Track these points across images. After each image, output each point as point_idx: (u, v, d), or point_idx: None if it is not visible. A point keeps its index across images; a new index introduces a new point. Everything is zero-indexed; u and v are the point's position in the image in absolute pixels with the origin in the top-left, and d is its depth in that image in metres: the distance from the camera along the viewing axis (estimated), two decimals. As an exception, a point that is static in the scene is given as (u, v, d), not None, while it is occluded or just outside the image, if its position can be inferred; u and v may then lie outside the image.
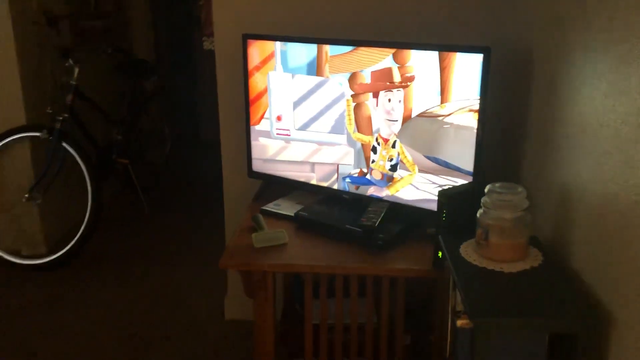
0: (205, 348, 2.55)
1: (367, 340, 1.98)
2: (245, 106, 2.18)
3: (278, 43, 2.05)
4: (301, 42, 2.02)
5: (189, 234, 3.64)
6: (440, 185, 1.86)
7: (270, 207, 2.12)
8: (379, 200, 1.98)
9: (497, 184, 1.47)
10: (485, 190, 1.47)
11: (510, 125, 2.02)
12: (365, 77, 1.93)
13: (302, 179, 2.13)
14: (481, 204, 1.47)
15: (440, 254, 1.66)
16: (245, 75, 2.15)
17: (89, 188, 3.14)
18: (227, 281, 2.72)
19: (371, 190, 2.00)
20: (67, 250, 3.14)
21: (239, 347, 2.55)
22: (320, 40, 2.00)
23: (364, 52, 1.92)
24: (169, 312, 2.80)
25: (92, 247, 3.29)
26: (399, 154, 1.92)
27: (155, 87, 4.37)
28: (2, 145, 3.07)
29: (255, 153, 2.20)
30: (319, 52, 1.98)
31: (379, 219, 1.87)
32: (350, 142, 2.01)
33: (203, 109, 5.19)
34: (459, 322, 1.27)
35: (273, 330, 1.93)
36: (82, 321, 2.73)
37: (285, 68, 2.06)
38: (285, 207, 2.10)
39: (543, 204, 1.66)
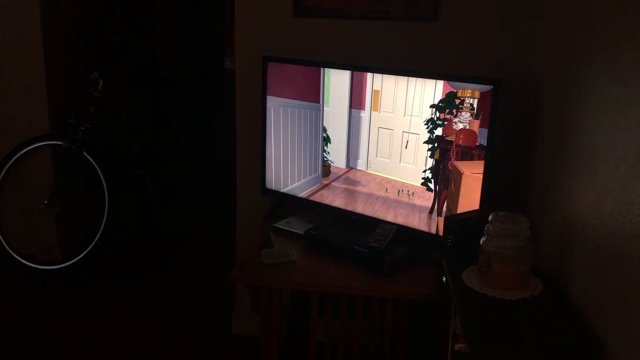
0: (210, 361, 2.60)
1: (369, 360, 2.01)
2: (262, 125, 2.24)
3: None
4: (320, 67, 2.09)
5: (200, 246, 3.69)
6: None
7: (281, 224, 2.17)
8: (387, 222, 2.02)
9: (501, 213, 1.50)
10: (489, 218, 1.51)
11: (518, 155, 2.05)
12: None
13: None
14: (484, 232, 1.51)
15: (444, 278, 1.69)
16: (263, 95, 2.21)
17: (107, 197, 3.21)
18: (235, 296, 2.76)
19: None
20: (82, 257, 3.21)
21: (244, 361, 2.58)
22: (334, 66, 2.06)
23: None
24: (177, 323, 2.85)
25: (105, 255, 3.36)
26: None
27: (175, 102, 4.46)
28: (26, 152, 3.16)
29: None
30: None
31: (387, 242, 1.91)
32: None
33: (221, 126, 5.26)
34: (457, 346, 1.31)
35: (277, 347, 1.96)
36: (93, 328, 2.79)
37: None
38: (296, 225, 2.15)
39: (546, 234, 1.69)
